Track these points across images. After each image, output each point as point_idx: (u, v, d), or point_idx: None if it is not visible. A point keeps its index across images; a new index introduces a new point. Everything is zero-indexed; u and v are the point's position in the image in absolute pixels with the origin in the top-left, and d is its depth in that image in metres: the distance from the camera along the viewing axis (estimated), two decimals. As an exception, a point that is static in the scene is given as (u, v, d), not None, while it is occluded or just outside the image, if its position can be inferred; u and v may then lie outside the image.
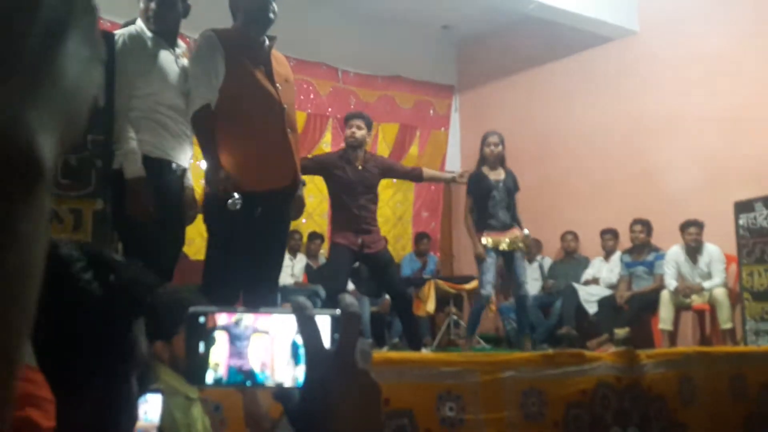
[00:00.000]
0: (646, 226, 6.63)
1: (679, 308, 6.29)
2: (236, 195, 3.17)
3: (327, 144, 8.14)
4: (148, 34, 3.24)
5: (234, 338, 0.65)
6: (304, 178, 3.72)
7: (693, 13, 7.07)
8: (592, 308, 6.70)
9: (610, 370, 3.51)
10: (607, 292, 6.74)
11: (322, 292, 6.19)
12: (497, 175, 5.32)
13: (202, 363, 0.65)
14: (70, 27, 0.35)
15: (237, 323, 0.66)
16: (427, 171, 5.37)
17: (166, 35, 3.31)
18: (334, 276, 4.85)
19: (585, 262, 7.35)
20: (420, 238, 8.04)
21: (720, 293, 5.97)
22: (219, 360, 0.65)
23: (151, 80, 3.20)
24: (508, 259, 5.31)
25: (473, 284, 5.83)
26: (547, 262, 7.71)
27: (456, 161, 8.92)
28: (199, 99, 3.22)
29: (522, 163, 8.08)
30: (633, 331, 6.34)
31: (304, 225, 7.55)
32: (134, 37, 3.20)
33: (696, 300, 6.19)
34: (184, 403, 2.03)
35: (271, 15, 3.29)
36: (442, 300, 7.15)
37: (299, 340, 0.64)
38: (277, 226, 3.41)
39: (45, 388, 0.73)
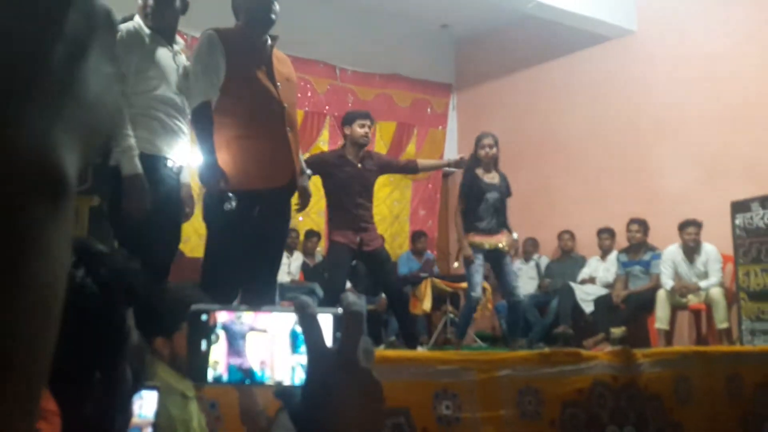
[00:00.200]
0: (643, 225, 6.64)
1: (676, 308, 6.30)
2: (231, 195, 3.18)
3: (324, 142, 8.13)
4: (146, 30, 3.23)
5: (231, 336, 0.65)
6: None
7: (691, 13, 7.08)
8: (588, 307, 6.71)
9: (607, 369, 3.51)
10: (604, 292, 6.75)
11: (319, 290, 6.20)
12: (491, 179, 5.29)
13: (205, 361, 0.65)
14: (92, 44, 0.35)
15: (234, 321, 0.66)
16: (422, 162, 5.40)
17: (164, 32, 3.30)
18: (333, 274, 4.85)
19: (582, 262, 7.36)
20: (417, 236, 8.04)
21: (716, 293, 5.98)
22: (219, 358, 0.65)
23: (148, 77, 3.19)
24: (495, 265, 5.29)
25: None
26: (544, 261, 7.72)
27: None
28: (199, 96, 3.24)
29: (519, 161, 8.11)
30: (629, 330, 6.35)
31: (300, 223, 7.54)
32: (132, 33, 3.18)
33: (692, 299, 6.20)
34: (181, 401, 2.03)
35: (273, 15, 3.32)
36: (439, 298, 7.16)
37: (298, 329, 0.64)
38: (275, 224, 3.42)
39: (49, 400, 0.73)
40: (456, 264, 5.33)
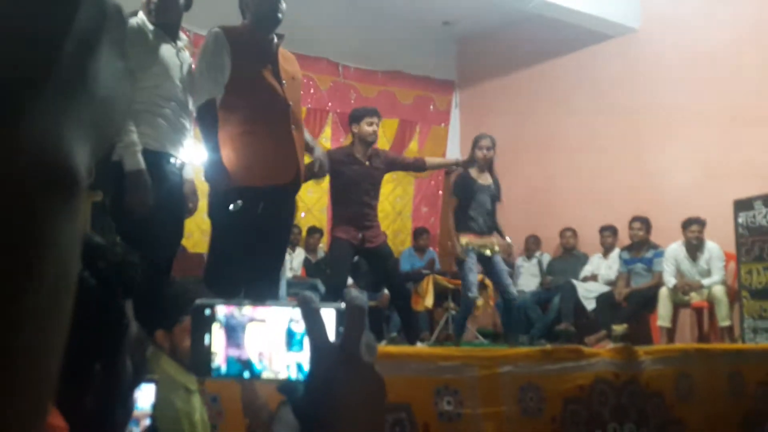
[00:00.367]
0: (645, 223, 6.64)
1: (678, 305, 6.30)
2: (239, 201, 3.22)
3: (327, 139, 8.13)
4: (150, 26, 3.23)
5: (230, 329, 0.66)
6: None
7: (694, 12, 7.06)
8: (590, 305, 6.71)
9: (608, 366, 3.51)
10: (606, 289, 6.75)
11: (321, 286, 6.20)
12: (484, 180, 5.26)
13: (208, 355, 0.65)
14: (103, 39, 0.35)
15: (233, 314, 0.66)
16: (430, 160, 5.42)
17: (168, 28, 3.30)
18: (334, 270, 4.86)
19: (584, 259, 7.36)
20: (419, 233, 8.05)
21: (719, 291, 5.98)
22: (218, 350, 0.66)
23: (151, 73, 3.19)
24: (486, 265, 5.28)
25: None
26: (546, 258, 7.72)
27: (455, 157, 8.91)
28: (204, 94, 3.27)
29: (522, 158, 8.11)
30: (631, 327, 6.34)
31: (303, 219, 7.55)
32: (135, 29, 3.19)
33: (695, 297, 6.20)
34: (184, 394, 2.04)
35: (280, 14, 3.36)
36: (441, 295, 7.16)
37: (295, 328, 0.65)
38: (279, 221, 3.44)
39: (57, 416, 0.73)
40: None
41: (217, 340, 0.66)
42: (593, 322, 6.67)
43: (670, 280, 6.21)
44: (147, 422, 1.16)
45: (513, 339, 5.36)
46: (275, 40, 3.42)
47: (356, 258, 4.99)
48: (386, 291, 6.69)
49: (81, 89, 0.34)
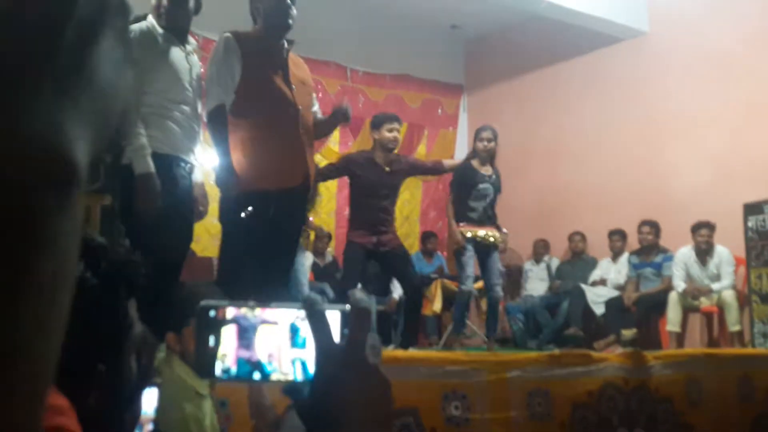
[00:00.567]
0: (654, 227, 6.61)
1: (687, 310, 6.27)
2: (250, 208, 3.27)
3: (335, 142, 8.14)
4: (159, 30, 3.24)
5: (243, 330, 0.66)
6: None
7: (702, 14, 7.04)
8: (599, 309, 6.69)
9: (617, 371, 3.50)
10: (615, 293, 6.72)
11: (329, 290, 6.21)
12: (485, 171, 5.24)
13: (212, 356, 0.65)
14: (104, 28, 0.34)
15: (246, 315, 0.66)
16: (448, 162, 5.45)
17: (177, 32, 3.31)
18: (346, 273, 4.88)
19: (593, 263, 7.33)
20: (427, 237, 8.04)
21: (728, 295, 5.95)
22: (228, 352, 0.65)
23: (161, 77, 3.20)
24: (482, 258, 5.25)
25: (480, 284, 5.81)
26: (555, 262, 7.69)
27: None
28: (213, 99, 3.32)
29: (530, 162, 8.10)
30: (640, 332, 6.32)
31: (311, 223, 7.55)
32: (145, 32, 3.20)
33: (704, 302, 6.17)
34: (194, 397, 2.04)
35: (290, 20, 3.40)
36: (449, 299, 7.14)
37: (299, 324, 0.65)
38: (289, 223, 3.46)
39: (58, 395, 0.73)
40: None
41: (228, 341, 0.66)
42: (602, 327, 6.64)
43: (679, 284, 6.18)
44: (150, 427, 1.15)
45: (491, 341, 5.31)
46: (285, 45, 3.46)
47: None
48: (394, 295, 6.70)
49: (81, 79, 0.33)
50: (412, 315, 5.07)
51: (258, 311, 0.66)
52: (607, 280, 7.00)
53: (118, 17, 0.35)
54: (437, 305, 7.01)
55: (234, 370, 0.65)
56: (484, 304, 6.33)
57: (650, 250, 6.63)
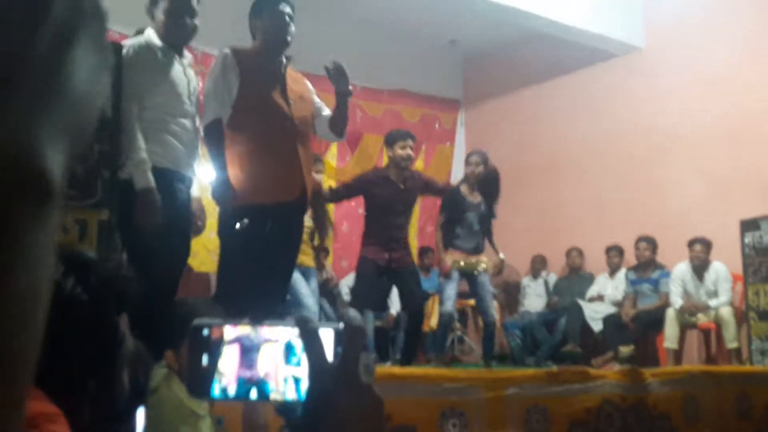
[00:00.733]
0: (652, 243, 6.61)
1: (685, 327, 6.25)
2: (245, 220, 3.27)
3: (333, 156, 8.15)
4: (158, 44, 3.25)
5: (245, 350, 0.65)
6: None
7: (698, 31, 7.08)
8: (597, 326, 6.67)
9: (615, 389, 3.49)
10: (612, 310, 6.71)
11: (326, 306, 6.19)
12: (474, 198, 5.21)
13: (205, 376, 0.64)
14: (78, 33, 0.33)
15: (249, 335, 0.65)
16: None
17: (177, 46, 3.33)
18: (360, 289, 4.89)
19: (590, 279, 7.33)
20: (424, 252, 8.03)
21: (726, 312, 5.94)
22: (227, 371, 0.65)
23: (161, 91, 3.21)
24: (472, 283, 5.21)
25: (472, 301, 5.80)
26: (552, 278, 7.69)
27: (461, 176, 8.91)
28: (210, 114, 3.35)
29: (527, 178, 8.10)
30: (638, 349, 6.31)
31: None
32: (144, 47, 3.21)
33: (701, 319, 6.16)
34: (191, 417, 2.01)
35: (288, 37, 3.45)
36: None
37: (294, 342, 0.64)
38: (287, 238, 3.46)
39: (50, 403, 0.72)
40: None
41: (230, 361, 0.65)
42: (600, 343, 6.63)
43: (677, 300, 6.18)
44: None
45: (488, 363, 5.27)
46: (284, 61, 3.49)
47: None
48: (392, 311, 6.68)
49: (56, 86, 0.32)
50: (412, 337, 5.06)
51: (261, 330, 0.66)
52: (605, 296, 6.99)
53: (93, 22, 0.34)
54: (434, 321, 6.98)
55: (232, 389, 0.65)
56: (481, 320, 6.31)
57: (647, 266, 6.63)
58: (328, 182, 6.17)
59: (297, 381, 0.64)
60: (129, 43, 3.25)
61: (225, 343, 0.65)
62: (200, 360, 0.65)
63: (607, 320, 6.58)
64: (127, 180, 3.09)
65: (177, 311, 2.18)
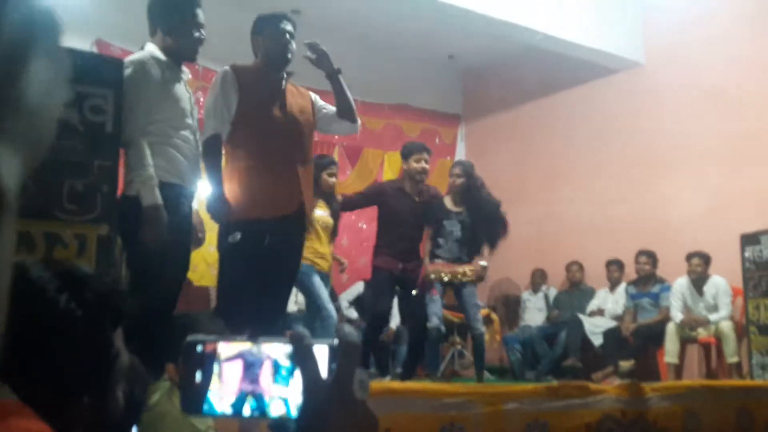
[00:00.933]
0: (652, 257, 6.60)
1: (685, 341, 6.24)
2: (237, 234, 3.29)
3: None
4: (161, 58, 3.25)
5: (248, 365, 0.65)
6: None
7: (698, 46, 7.11)
8: (597, 340, 6.65)
9: (615, 403, 3.47)
10: (613, 324, 6.69)
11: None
12: (454, 207, 5.12)
13: (198, 392, 0.64)
14: (31, 48, 0.33)
15: (251, 350, 0.65)
16: None
17: (177, 61, 3.34)
18: (375, 300, 4.89)
19: (590, 293, 7.31)
20: (424, 266, 8.02)
21: (726, 326, 5.93)
22: (228, 387, 0.65)
23: (164, 106, 3.21)
24: (457, 296, 5.15)
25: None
26: (553, 292, 7.67)
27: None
28: (209, 129, 3.39)
29: (527, 192, 8.11)
30: (638, 363, 6.29)
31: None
32: (146, 63, 3.22)
33: (702, 333, 6.14)
34: (192, 431, 2.01)
35: (289, 55, 3.51)
36: (446, 329, 7.10)
37: (282, 362, 0.64)
38: (285, 252, 3.46)
39: (38, 420, 0.72)
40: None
41: (232, 377, 0.65)
42: (600, 358, 6.61)
43: (677, 315, 6.16)
44: None
45: (480, 377, 5.21)
46: (284, 77, 3.54)
47: (362, 291, 5.00)
48: (392, 325, 6.66)
49: (9, 101, 0.32)
50: (414, 351, 5.05)
51: (264, 347, 0.66)
52: (605, 310, 6.97)
53: (46, 34, 0.34)
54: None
55: (229, 405, 0.64)
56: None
57: (647, 280, 6.62)
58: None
59: (285, 400, 0.64)
60: (132, 59, 3.26)
61: (223, 359, 0.65)
62: (193, 376, 0.65)
63: (608, 334, 6.57)
64: (135, 196, 3.07)
65: (179, 324, 2.18)
